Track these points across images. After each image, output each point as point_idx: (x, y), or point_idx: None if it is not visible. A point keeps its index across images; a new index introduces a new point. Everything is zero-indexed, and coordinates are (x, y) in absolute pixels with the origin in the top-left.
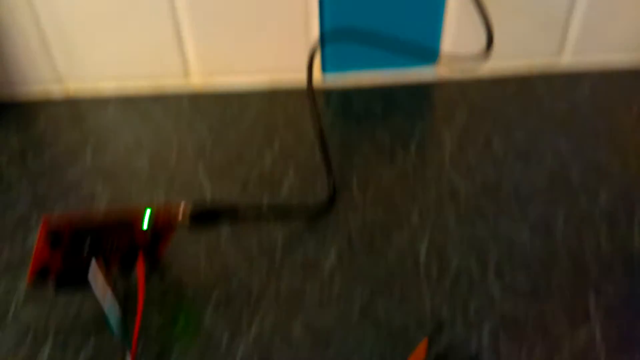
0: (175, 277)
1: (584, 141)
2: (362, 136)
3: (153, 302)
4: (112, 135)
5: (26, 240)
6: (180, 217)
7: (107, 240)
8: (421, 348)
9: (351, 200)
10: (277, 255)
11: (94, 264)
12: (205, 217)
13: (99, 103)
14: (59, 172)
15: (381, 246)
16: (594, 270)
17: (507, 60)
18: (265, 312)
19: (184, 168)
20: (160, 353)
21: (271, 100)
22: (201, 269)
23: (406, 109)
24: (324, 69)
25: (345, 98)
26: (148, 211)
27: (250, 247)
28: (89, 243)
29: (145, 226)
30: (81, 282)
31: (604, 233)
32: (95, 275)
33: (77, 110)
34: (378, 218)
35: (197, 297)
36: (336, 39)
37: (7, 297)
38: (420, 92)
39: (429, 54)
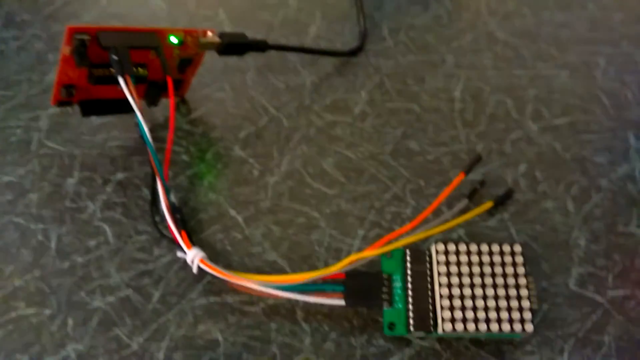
0: (201, 115)
1: None
2: None
3: (180, 138)
4: None
5: (45, 77)
6: (207, 39)
7: (135, 59)
8: (457, 181)
9: (382, 45)
10: (306, 96)
11: (121, 79)
12: (233, 47)
13: None
14: (74, 15)
15: (414, 89)
16: (636, 113)
17: None
18: (295, 148)
19: (203, 12)
20: (192, 177)
21: None
22: (228, 108)
23: None
24: None
25: None
26: (174, 38)
27: (277, 88)
28: (116, 60)
29: (174, 40)
30: (107, 105)
31: None
32: (126, 88)
33: None
34: (411, 62)
35: (225, 133)
36: None
37: (30, 129)
38: None
39: None
